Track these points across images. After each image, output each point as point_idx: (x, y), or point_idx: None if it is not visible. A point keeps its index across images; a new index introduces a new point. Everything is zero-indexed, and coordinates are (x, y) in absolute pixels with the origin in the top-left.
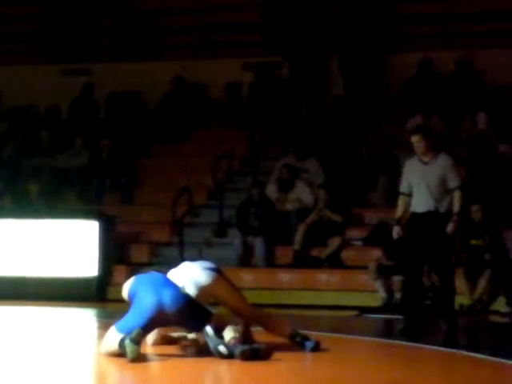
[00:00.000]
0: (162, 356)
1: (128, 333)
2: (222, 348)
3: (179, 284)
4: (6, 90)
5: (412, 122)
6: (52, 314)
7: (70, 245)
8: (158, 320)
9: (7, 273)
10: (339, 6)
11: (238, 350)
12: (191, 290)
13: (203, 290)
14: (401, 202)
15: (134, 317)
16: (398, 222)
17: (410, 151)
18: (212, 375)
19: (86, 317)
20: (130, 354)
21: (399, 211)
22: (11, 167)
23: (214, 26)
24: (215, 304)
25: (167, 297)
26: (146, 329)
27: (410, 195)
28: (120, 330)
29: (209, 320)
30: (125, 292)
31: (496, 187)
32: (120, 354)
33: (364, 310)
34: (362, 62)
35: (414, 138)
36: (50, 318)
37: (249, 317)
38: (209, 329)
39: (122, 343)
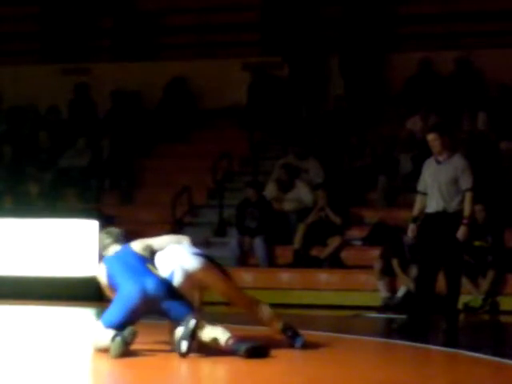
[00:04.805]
0: (159, 355)
1: (115, 326)
2: (184, 345)
3: (167, 269)
4: (6, 90)
5: (411, 121)
6: (52, 313)
7: (69, 244)
8: (142, 308)
9: (7, 273)
10: (339, 6)
11: (242, 348)
12: (179, 276)
13: (192, 276)
14: (418, 200)
15: (119, 308)
16: (414, 220)
17: (409, 151)
18: (211, 375)
19: (85, 317)
20: (114, 352)
21: (416, 210)
22: (11, 167)
23: (214, 26)
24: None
25: (150, 284)
26: (131, 319)
27: (426, 194)
28: (106, 324)
29: (193, 310)
30: (103, 280)
31: (498, 187)
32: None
33: (364, 309)
34: (362, 62)
35: (430, 137)
36: (50, 317)
37: (239, 304)
38: (192, 321)
39: (113, 339)
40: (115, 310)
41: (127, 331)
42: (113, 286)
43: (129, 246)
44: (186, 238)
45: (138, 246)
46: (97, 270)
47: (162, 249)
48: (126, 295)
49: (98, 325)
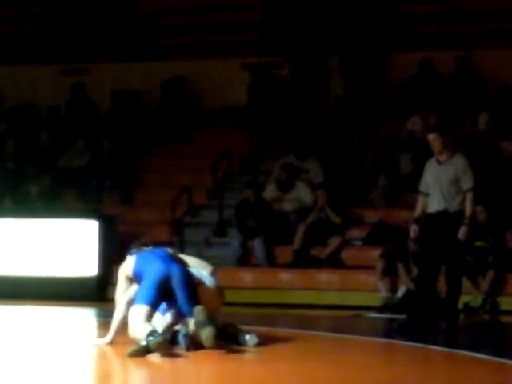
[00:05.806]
0: (161, 355)
1: (149, 302)
2: (184, 339)
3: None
4: (6, 90)
5: (411, 121)
6: (52, 313)
7: (69, 244)
8: (163, 286)
9: (7, 273)
10: (339, 6)
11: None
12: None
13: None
14: (419, 201)
15: (148, 284)
16: (416, 220)
17: (409, 151)
18: (211, 375)
19: (86, 317)
20: (130, 350)
21: (418, 210)
22: (11, 167)
23: (214, 26)
24: None
25: (175, 268)
26: (159, 294)
27: (428, 194)
28: (141, 302)
29: (197, 304)
30: (128, 270)
31: (498, 187)
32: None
33: (364, 309)
34: (362, 62)
35: (431, 137)
36: (50, 317)
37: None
38: (201, 311)
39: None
40: (145, 288)
41: (156, 339)
42: (136, 276)
43: (163, 248)
44: (211, 267)
45: (171, 250)
46: (124, 262)
47: (190, 264)
48: (152, 272)
49: (136, 308)
